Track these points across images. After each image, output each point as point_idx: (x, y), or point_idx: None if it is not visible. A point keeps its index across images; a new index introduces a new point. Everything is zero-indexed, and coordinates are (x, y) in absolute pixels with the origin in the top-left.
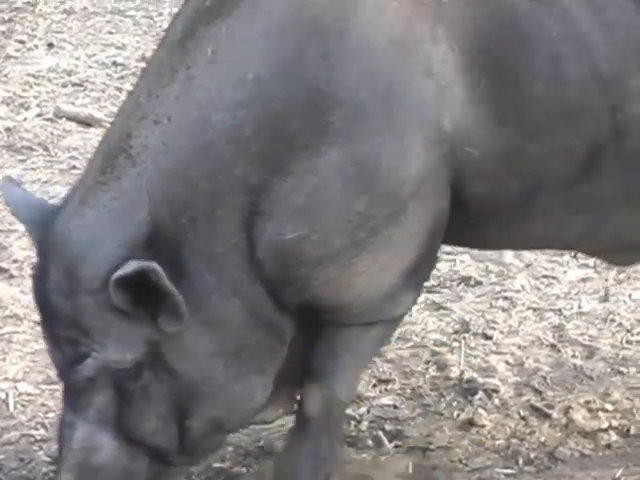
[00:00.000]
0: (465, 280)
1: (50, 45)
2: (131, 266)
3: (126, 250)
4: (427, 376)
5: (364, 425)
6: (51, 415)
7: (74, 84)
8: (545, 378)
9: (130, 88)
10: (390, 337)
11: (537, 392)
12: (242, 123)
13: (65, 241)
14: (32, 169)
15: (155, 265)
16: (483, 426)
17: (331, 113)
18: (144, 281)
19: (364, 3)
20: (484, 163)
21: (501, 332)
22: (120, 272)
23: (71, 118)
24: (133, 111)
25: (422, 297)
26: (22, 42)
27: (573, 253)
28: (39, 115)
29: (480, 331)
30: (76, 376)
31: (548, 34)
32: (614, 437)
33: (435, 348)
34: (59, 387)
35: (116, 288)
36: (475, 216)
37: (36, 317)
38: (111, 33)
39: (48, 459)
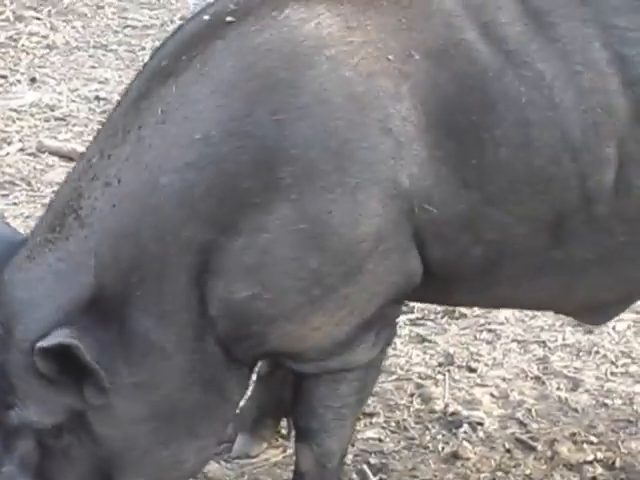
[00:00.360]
0: (449, 312)
1: (33, 80)
2: (54, 339)
3: (63, 315)
4: (412, 409)
5: (349, 458)
6: None
7: (57, 119)
8: (530, 410)
9: None
10: (372, 380)
11: (522, 425)
12: (191, 185)
13: (7, 293)
14: (14, 204)
15: (76, 342)
16: (468, 459)
17: (281, 170)
18: (69, 353)
19: (320, 57)
20: (444, 226)
21: (486, 364)
22: (43, 343)
23: (54, 153)
24: (85, 171)
25: (406, 330)
26: (4, 77)
27: None
28: (21, 150)
29: (464, 364)
30: (5, 418)
31: (517, 100)
32: (599, 470)
33: (419, 381)
34: None
35: (40, 357)
36: (440, 279)
37: None
38: (94, 67)
39: None
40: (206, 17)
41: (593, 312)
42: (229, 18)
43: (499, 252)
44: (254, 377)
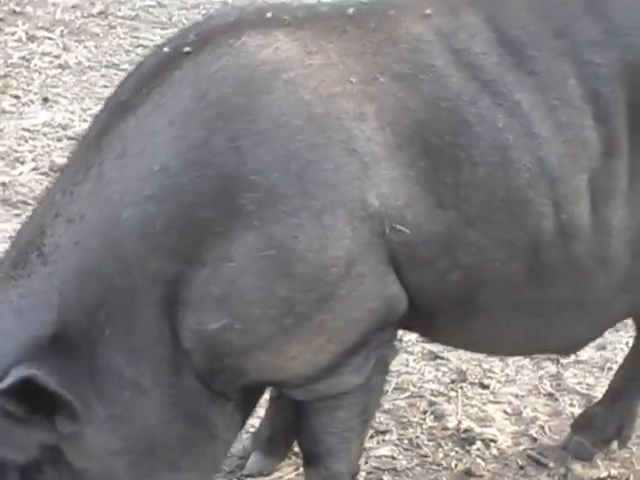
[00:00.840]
0: None
1: (45, 100)
2: (12, 377)
3: (24, 353)
4: (424, 426)
5: (362, 476)
6: None
7: (69, 138)
8: (543, 427)
9: None
10: (375, 401)
11: (535, 441)
12: (152, 217)
13: None
14: None
15: (35, 372)
16: (481, 476)
17: (242, 197)
18: (34, 386)
19: (277, 81)
20: (420, 248)
21: (498, 381)
22: (3, 385)
23: None
24: (48, 208)
25: (419, 347)
26: (17, 97)
27: None
28: (34, 169)
29: (477, 380)
30: None
31: (494, 123)
32: None
33: (432, 398)
34: None
35: (4, 398)
36: (420, 309)
37: None
38: (106, 87)
39: None
40: (166, 49)
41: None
42: (187, 49)
43: (476, 280)
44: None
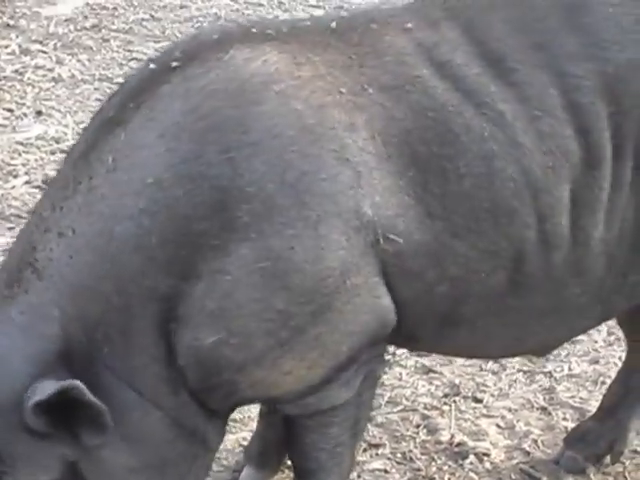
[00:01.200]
0: None
1: (39, 113)
2: (50, 387)
3: (37, 368)
4: (417, 440)
5: None
6: None
7: (62, 151)
8: (536, 441)
9: None
10: (365, 415)
11: (528, 455)
12: (147, 231)
13: None
14: None
15: (77, 382)
16: None
17: (238, 209)
18: (62, 400)
19: (269, 93)
20: (410, 259)
21: (492, 395)
22: (39, 397)
23: None
24: (37, 225)
25: (412, 361)
26: (10, 110)
27: None
28: (28, 183)
29: (470, 394)
30: None
31: (480, 133)
32: None
33: (425, 412)
34: None
35: (34, 413)
36: (406, 321)
37: None
38: (99, 100)
39: None
40: (152, 66)
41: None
42: (175, 64)
43: (462, 291)
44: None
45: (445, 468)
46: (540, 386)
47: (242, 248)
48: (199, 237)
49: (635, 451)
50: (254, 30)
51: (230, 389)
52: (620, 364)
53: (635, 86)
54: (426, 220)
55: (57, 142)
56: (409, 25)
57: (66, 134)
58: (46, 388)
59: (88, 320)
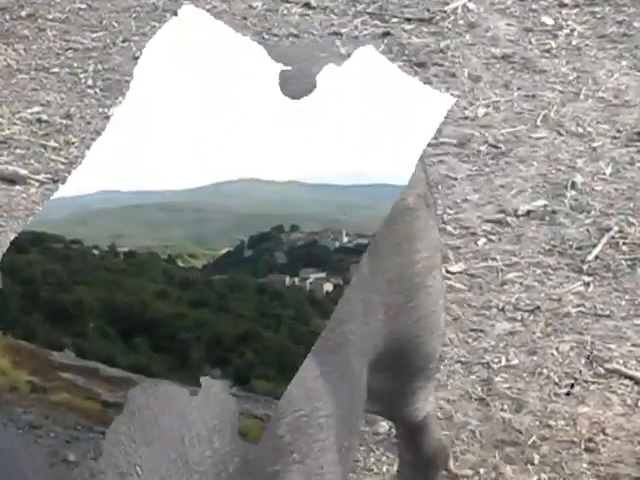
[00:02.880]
0: None
1: None
2: None
3: None
4: None
5: None
6: None
7: None
8: (474, 432)
9: (55, 145)
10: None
11: (466, 446)
12: None
13: None
14: None
15: None
16: None
17: None
18: None
19: None
20: None
21: None
22: None
23: None
24: None
25: None
26: None
27: (501, 306)
28: None
29: None
30: None
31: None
32: None
33: None
34: None
35: None
36: None
37: None
38: (35, 90)
39: None
40: None
41: None
42: None
43: None
44: None
45: (383, 459)
46: (478, 377)
47: None
48: None
49: (572, 442)
50: None
51: None
52: (557, 355)
53: None
54: None
55: None
56: None
57: (1, 124)
58: None
59: None
